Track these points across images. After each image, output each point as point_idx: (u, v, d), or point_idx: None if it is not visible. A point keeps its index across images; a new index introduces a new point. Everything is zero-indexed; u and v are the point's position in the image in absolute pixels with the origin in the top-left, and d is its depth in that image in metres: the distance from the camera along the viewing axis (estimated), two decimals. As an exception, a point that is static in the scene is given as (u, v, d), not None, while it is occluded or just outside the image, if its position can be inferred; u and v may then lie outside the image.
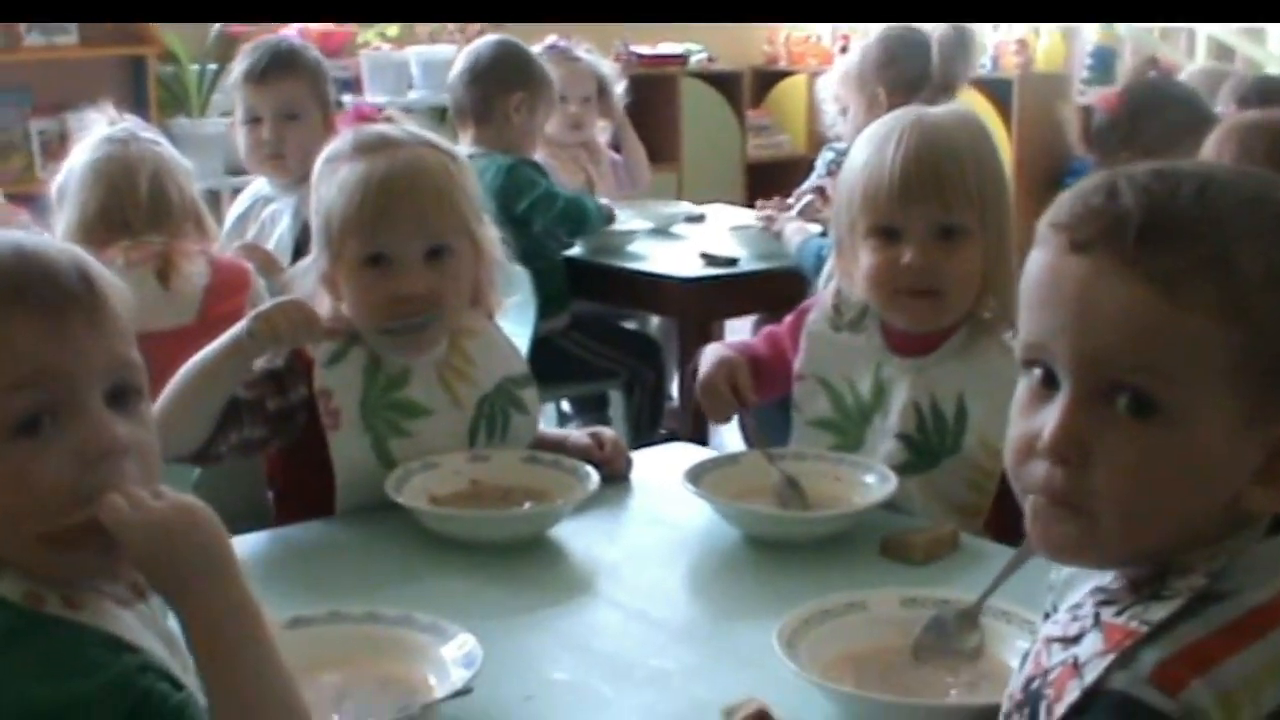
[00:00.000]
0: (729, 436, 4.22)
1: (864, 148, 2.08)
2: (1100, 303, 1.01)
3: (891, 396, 2.08)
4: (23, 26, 5.26)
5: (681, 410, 4.37)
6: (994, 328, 2.08)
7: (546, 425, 4.66)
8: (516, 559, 1.84)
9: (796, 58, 7.69)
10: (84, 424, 1.11)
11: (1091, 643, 1.04)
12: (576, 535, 1.92)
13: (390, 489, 1.90)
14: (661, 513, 2.01)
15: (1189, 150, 2.62)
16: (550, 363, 4.05)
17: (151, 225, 2.52)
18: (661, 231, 4.53)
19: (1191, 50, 6.84)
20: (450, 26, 6.37)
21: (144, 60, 5.50)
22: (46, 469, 1.09)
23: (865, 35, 4.24)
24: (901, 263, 2.01)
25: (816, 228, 4.07)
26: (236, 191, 3.92)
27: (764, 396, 2.21)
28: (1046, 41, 6.94)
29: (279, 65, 3.40)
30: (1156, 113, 3.84)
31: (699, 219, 4.75)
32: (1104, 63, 6.88)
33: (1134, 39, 6.90)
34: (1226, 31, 6.63)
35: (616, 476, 2.13)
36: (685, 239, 4.49)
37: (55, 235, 2.47)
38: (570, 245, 4.15)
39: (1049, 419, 1.04)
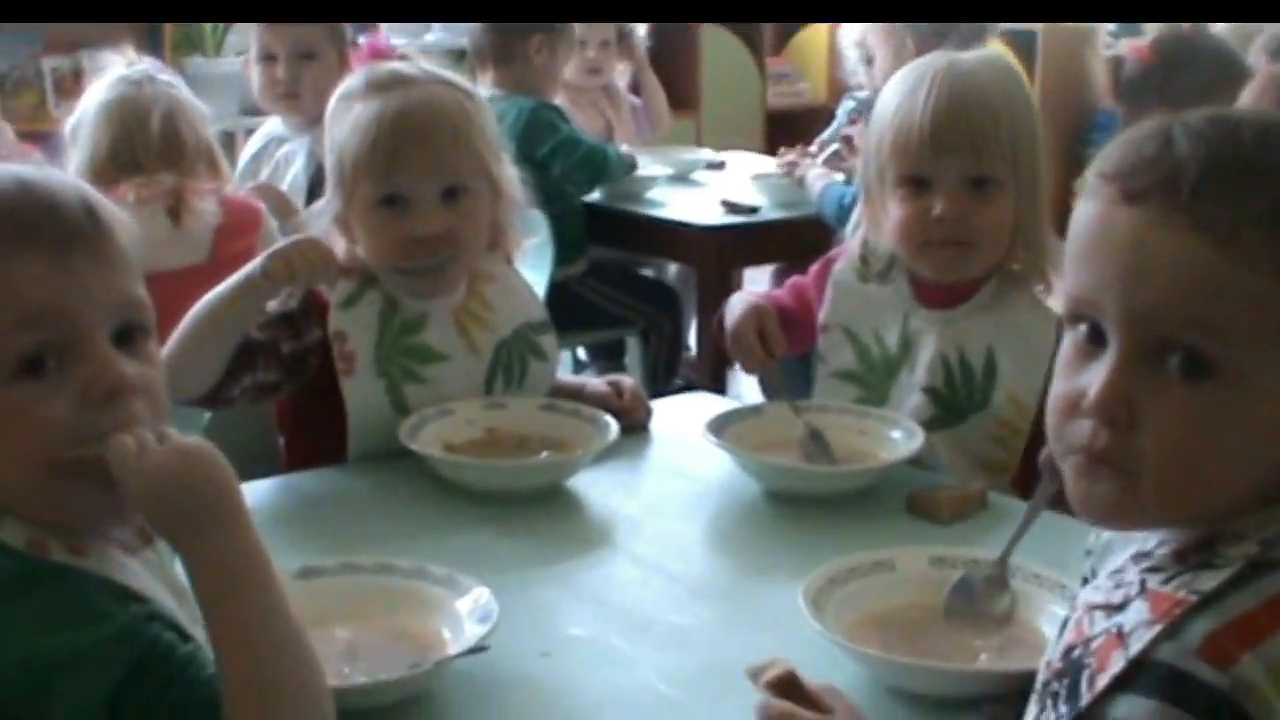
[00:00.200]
0: (746, 388, 4.19)
1: (894, 94, 2.02)
2: (1153, 255, 0.95)
3: (919, 349, 2.03)
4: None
5: (699, 360, 4.33)
6: (1024, 280, 2.03)
7: (563, 373, 4.66)
8: (533, 509, 1.79)
9: (819, 5, 7.58)
10: (90, 364, 1.08)
11: (1137, 611, 0.99)
12: (594, 486, 1.87)
13: (404, 436, 1.85)
14: (681, 464, 1.97)
15: (1223, 103, 2.55)
16: (566, 309, 4.00)
17: (163, 165, 2.49)
18: (681, 178, 4.47)
19: None
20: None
21: (159, -3, 5.43)
22: (51, 409, 1.06)
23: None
24: (932, 214, 1.95)
25: (840, 175, 4.01)
26: (251, 132, 3.87)
27: (789, 349, 2.16)
28: (1074, -8, 6.83)
29: None
30: (1189, 65, 3.78)
31: (719, 166, 4.69)
32: (1132, 14, 6.77)
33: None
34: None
35: (636, 426, 2.09)
36: (706, 186, 4.43)
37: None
38: (589, 191, 4.10)
39: (1095, 378, 0.98)
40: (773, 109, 7.10)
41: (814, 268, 2.20)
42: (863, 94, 3.96)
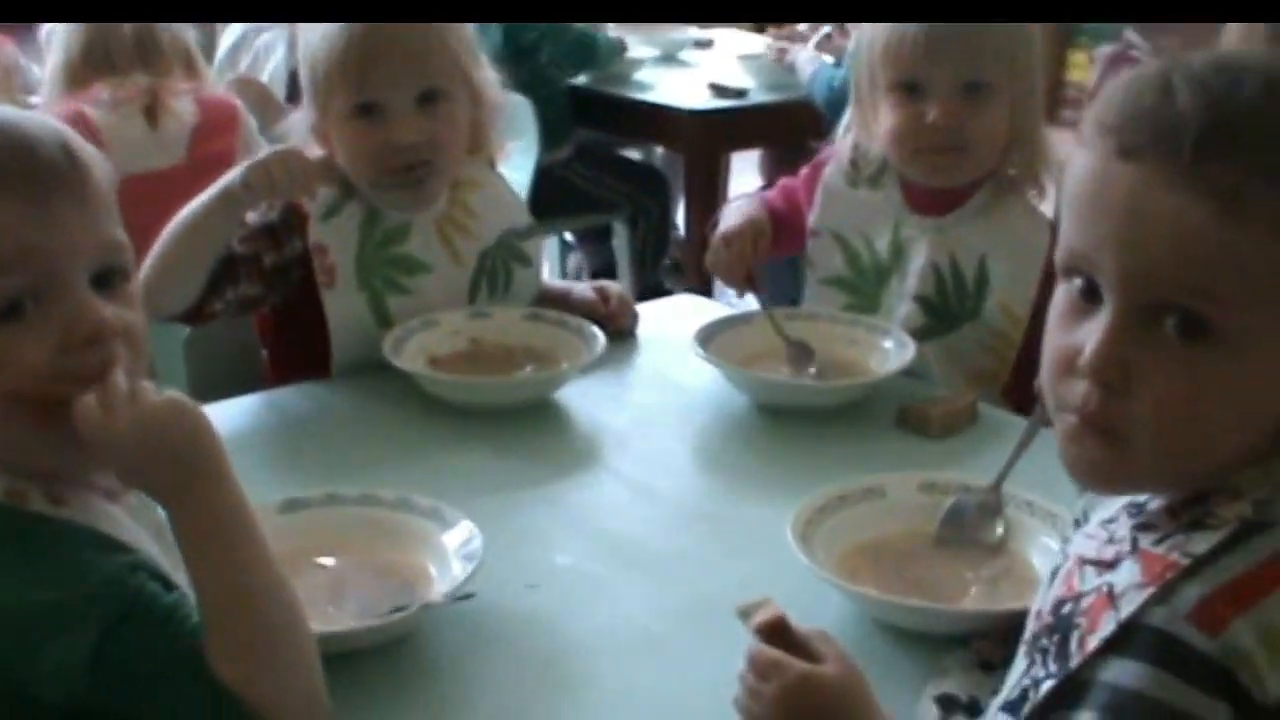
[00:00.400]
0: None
1: (887, -6, 1.97)
2: (1150, 216, 0.91)
3: (910, 257, 2.00)
4: None
5: (687, 242, 4.29)
6: (1018, 185, 2.00)
7: (549, 255, 4.63)
8: (519, 424, 1.78)
9: None
10: (69, 307, 1.05)
11: (1128, 572, 0.97)
12: (582, 398, 1.85)
13: (388, 351, 1.83)
14: (669, 374, 1.95)
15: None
16: (553, 194, 3.98)
17: (137, 64, 2.44)
18: (669, 58, 4.41)
19: None
20: None
21: None
22: (30, 353, 1.03)
23: None
24: (925, 121, 1.91)
25: (829, 58, 3.96)
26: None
27: (779, 253, 2.13)
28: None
29: None
30: None
31: (707, 45, 4.62)
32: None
33: None
34: None
35: (622, 332, 2.07)
36: (694, 67, 4.37)
37: (44, 77, 2.38)
38: (577, 75, 4.04)
39: (1090, 336, 0.96)
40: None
41: (804, 170, 2.16)
42: (856, -28, 3.88)
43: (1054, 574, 1.08)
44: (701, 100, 3.92)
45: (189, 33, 2.60)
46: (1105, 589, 0.98)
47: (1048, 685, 0.98)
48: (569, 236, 4.72)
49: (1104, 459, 0.97)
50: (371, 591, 1.30)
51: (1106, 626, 0.96)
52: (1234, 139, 0.90)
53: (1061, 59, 7.75)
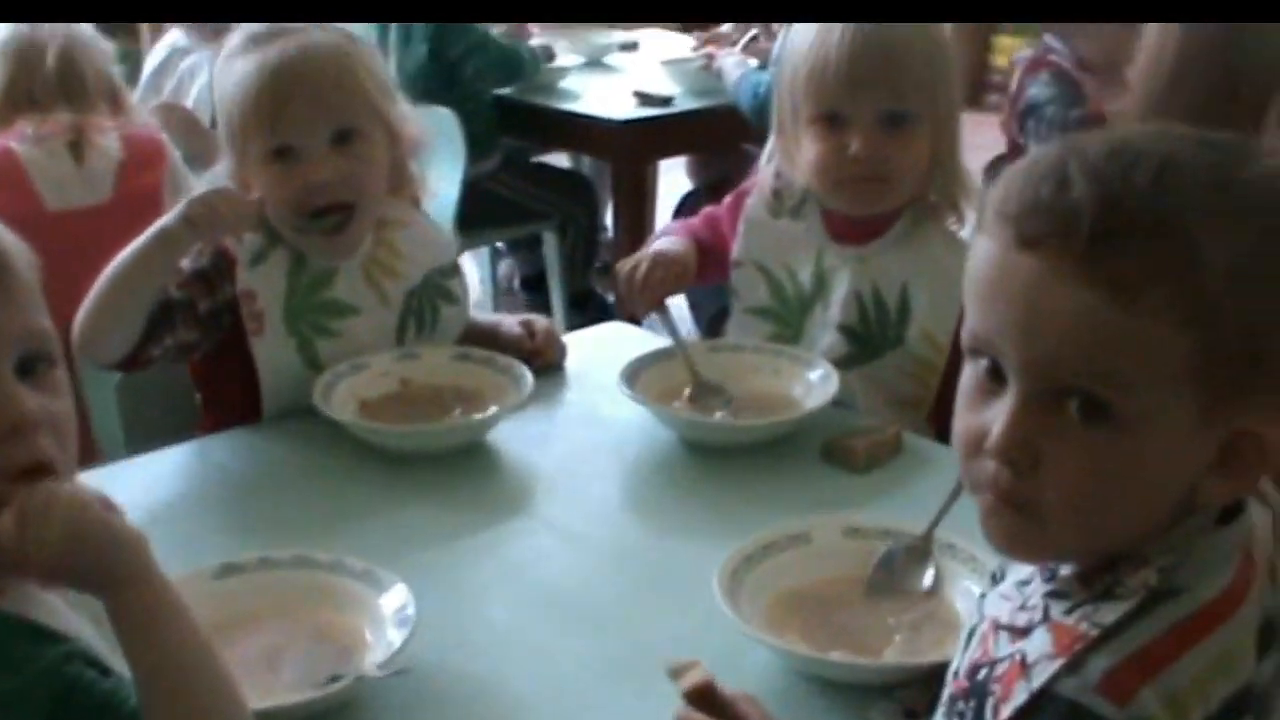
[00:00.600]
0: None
1: (808, 29, 1.99)
2: (1050, 307, 0.94)
3: (833, 286, 2.04)
4: None
5: (615, 244, 4.31)
6: (938, 212, 2.04)
7: (480, 263, 4.63)
8: (450, 468, 1.79)
9: None
10: None
11: (1040, 641, 1.01)
12: (512, 439, 1.87)
13: (318, 399, 1.84)
14: (597, 410, 1.97)
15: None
16: (481, 206, 3.99)
17: (60, 101, 2.43)
18: (594, 63, 4.42)
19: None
20: None
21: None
22: None
23: None
24: (849, 152, 1.94)
25: (754, 61, 3.98)
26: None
27: (705, 282, 2.17)
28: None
29: None
30: None
31: (632, 47, 4.63)
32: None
33: None
34: None
35: (549, 366, 2.09)
36: (619, 72, 4.39)
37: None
38: (502, 87, 4.05)
39: (997, 418, 0.99)
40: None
41: (728, 199, 2.18)
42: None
43: (970, 635, 1.12)
44: (627, 109, 3.94)
45: (113, 67, 2.59)
46: (1018, 657, 1.01)
47: (965, 750, 1.01)
48: (499, 244, 4.73)
49: (1022, 532, 1.01)
50: (308, 659, 1.32)
51: (1019, 696, 0.99)
52: (1127, 230, 0.93)
53: (985, 44, 7.78)
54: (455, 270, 2.10)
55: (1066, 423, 0.96)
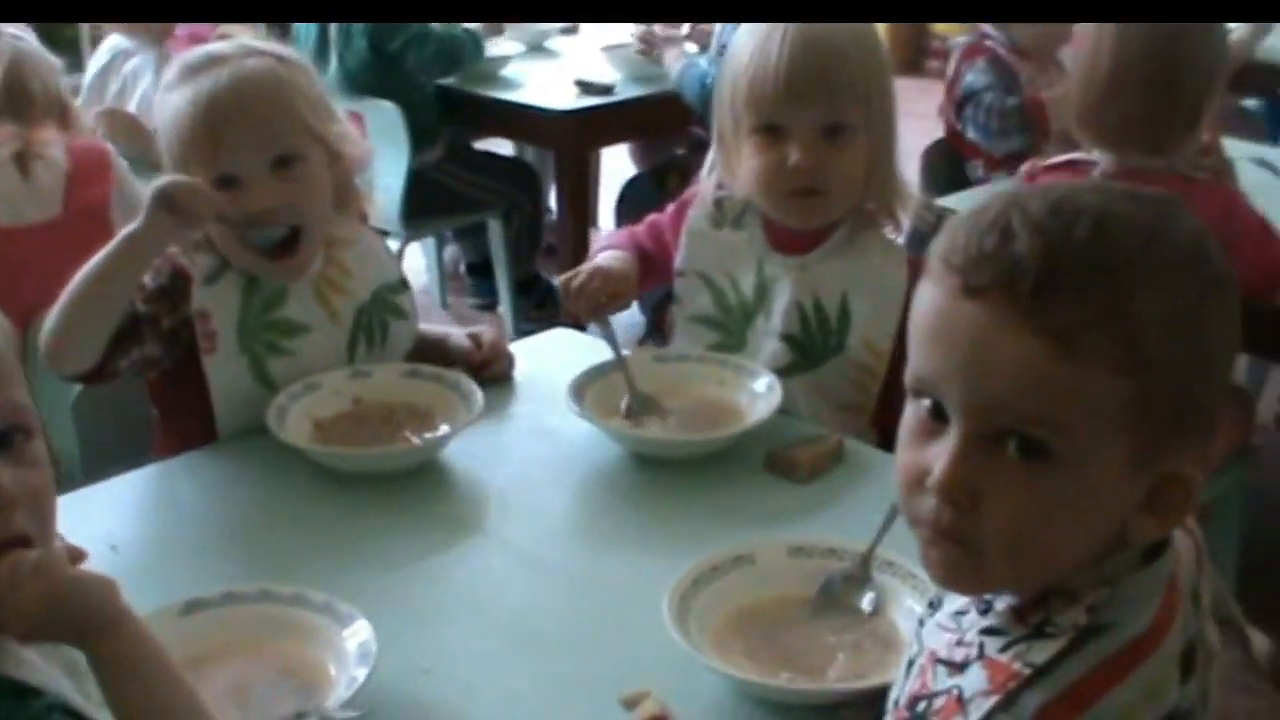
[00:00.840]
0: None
1: (747, 41, 2.03)
2: (994, 354, 1.00)
3: (774, 296, 2.08)
4: None
5: (561, 228, 4.34)
6: (876, 220, 2.09)
7: (426, 250, 4.65)
8: (404, 488, 1.83)
9: None
10: None
11: (976, 677, 1.06)
12: (462, 455, 1.91)
13: (272, 423, 1.87)
14: (545, 423, 2.01)
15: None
16: (426, 196, 4.02)
17: (7, 116, 2.42)
18: (535, 49, 4.43)
19: None
20: None
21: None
22: None
23: None
24: (788, 164, 1.98)
25: (694, 48, 4.02)
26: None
27: (648, 289, 2.22)
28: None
29: None
30: None
31: (572, 30, 4.65)
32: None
33: None
34: None
35: (498, 377, 2.13)
36: (559, 57, 4.41)
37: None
38: (443, 77, 4.06)
39: (938, 457, 1.04)
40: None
41: (671, 208, 2.23)
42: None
43: (910, 664, 1.17)
44: (569, 99, 3.96)
45: (61, 80, 2.59)
46: (955, 692, 1.07)
47: (906, 780, 1.07)
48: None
49: (958, 565, 1.06)
50: (273, 694, 1.36)
51: (956, 732, 1.05)
52: (1067, 282, 0.98)
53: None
54: (404, 286, 2.13)
55: (1005, 463, 1.01)
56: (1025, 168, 2.74)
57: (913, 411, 1.08)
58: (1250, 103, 4.31)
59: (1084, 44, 2.58)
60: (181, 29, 2.06)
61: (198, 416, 1.96)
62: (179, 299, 1.94)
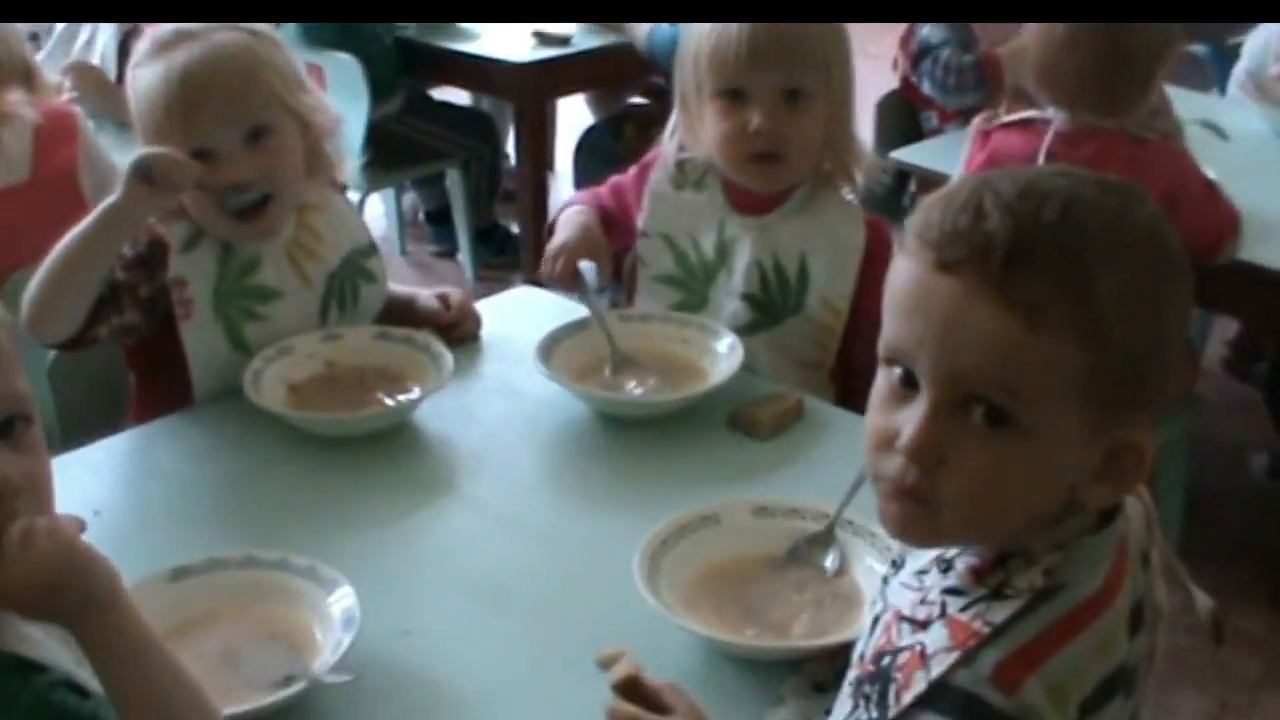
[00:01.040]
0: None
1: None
2: (966, 325, 1.06)
3: (735, 256, 2.14)
4: None
5: (519, 176, 4.36)
6: (833, 180, 2.14)
7: (385, 199, 4.67)
8: (376, 450, 1.88)
9: None
10: None
11: (938, 635, 1.13)
12: (433, 417, 1.96)
13: (248, 388, 1.91)
14: (514, 383, 2.06)
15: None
16: (386, 147, 4.04)
17: (-29, 81, 2.42)
18: None
19: None
20: None
21: None
22: None
23: None
24: (750, 127, 2.03)
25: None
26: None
27: (612, 247, 2.26)
28: None
29: None
30: None
31: (530, -20, 4.65)
32: None
33: None
34: None
35: (466, 337, 2.17)
36: (517, 8, 4.40)
37: None
38: (401, 28, 4.07)
39: (908, 421, 1.10)
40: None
41: (633, 170, 2.27)
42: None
43: (875, 621, 1.23)
44: (526, 51, 3.98)
45: (26, 45, 2.59)
46: (918, 648, 1.13)
47: (871, 728, 1.13)
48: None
49: (916, 520, 1.12)
50: (262, 658, 1.41)
51: (919, 684, 1.11)
52: (1035, 258, 1.04)
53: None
54: (373, 250, 2.17)
55: (971, 427, 1.07)
56: (977, 121, 2.80)
57: (884, 378, 1.14)
58: (1198, 48, 4.37)
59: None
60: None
61: (175, 381, 2.00)
62: (157, 267, 1.97)
